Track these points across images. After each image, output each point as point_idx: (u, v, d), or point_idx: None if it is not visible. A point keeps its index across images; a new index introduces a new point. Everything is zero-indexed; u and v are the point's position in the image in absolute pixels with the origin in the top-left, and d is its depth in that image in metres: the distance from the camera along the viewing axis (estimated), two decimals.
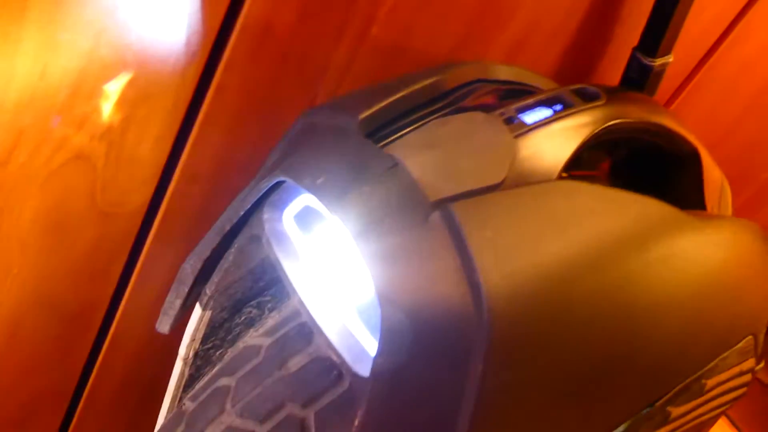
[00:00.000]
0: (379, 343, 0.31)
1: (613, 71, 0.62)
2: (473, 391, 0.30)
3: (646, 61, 0.57)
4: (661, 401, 0.39)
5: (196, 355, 0.49)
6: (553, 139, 0.37)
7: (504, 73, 0.46)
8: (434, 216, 0.32)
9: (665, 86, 0.68)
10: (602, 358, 0.34)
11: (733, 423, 1.23)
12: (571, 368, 0.33)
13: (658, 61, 0.57)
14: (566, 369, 0.33)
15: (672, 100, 0.70)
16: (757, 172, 0.86)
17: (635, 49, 0.57)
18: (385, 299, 0.31)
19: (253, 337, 0.46)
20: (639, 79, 0.58)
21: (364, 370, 0.34)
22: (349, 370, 0.34)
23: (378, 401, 0.32)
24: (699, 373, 0.41)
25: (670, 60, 0.58)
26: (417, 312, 0.31)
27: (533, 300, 0.31)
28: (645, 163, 0.50)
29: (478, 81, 0.44)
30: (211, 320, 0.48)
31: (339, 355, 0.35)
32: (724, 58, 0.68)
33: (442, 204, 0.32)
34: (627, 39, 0.60)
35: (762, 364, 0.64)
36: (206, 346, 0.49)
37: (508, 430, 0.33)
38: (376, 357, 0.31)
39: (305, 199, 0.40)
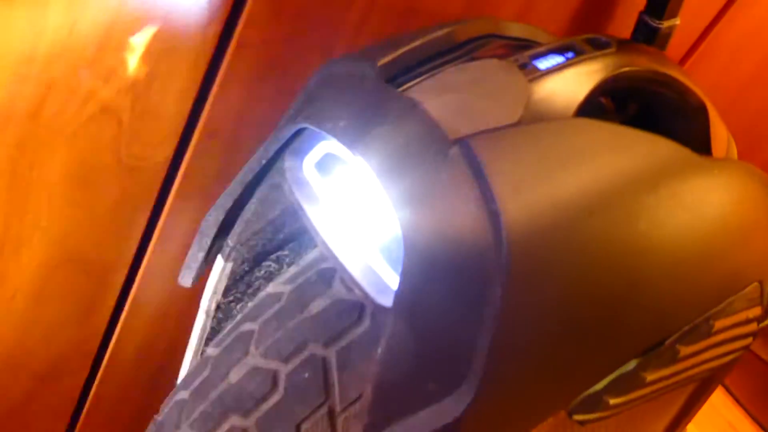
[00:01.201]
0: (401, 274, 0.33)
1: (621, 33, 0.63)
2: (491, 318, 0.32)
3: (654, 23, 0.58)
4: (670, 339, 0.40)
5: (217, 308, 0.51)
6: (566, 83, 0.38)
7: (515, 30, 0.48)
8: (454, 151, 0.33)
9: (673, 53, 0.69)
10: (614, 291, 0.35)
11: (738, 402, 1.24)
12: (584, 300, 0.34)
13: (666, 23, 0.58)
14: (579, 300, 0.34)
15: None
16: (762, 145, 0.86)
17: (642, 12, 0.58)
18: (407, 232, 0.32)
19: (273, 287, 0.47)
20: (646, 41, 0.59)
21: (387, 301, 0.35)
22: (372, 302, 0.36)
23: (401, 329, 0.33)
24: (707, 313, 0.42)
25: (677, 22, 0.59)
26: (438, 242, 0.32)
27: (549, 230, 0.32)
28: (653, 120, 0.51)
29: (491, 36, 0.46)
30: (232, 272, 0.49)
31: (363, 290, 0.36)
32: (730, 25, 0.69)
33: (461, 139, 0.33)
34: (634, 2, 0.61)
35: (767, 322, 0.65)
36: (227, 299, 0.51)
37: (523, 359, 0.34)
38: (398, 287, 0.33)
39: (325, 146, 0.42)
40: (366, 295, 0.36)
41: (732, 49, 0.72)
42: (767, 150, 0.87)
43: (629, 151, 0.35)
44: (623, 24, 0.62)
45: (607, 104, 0.53)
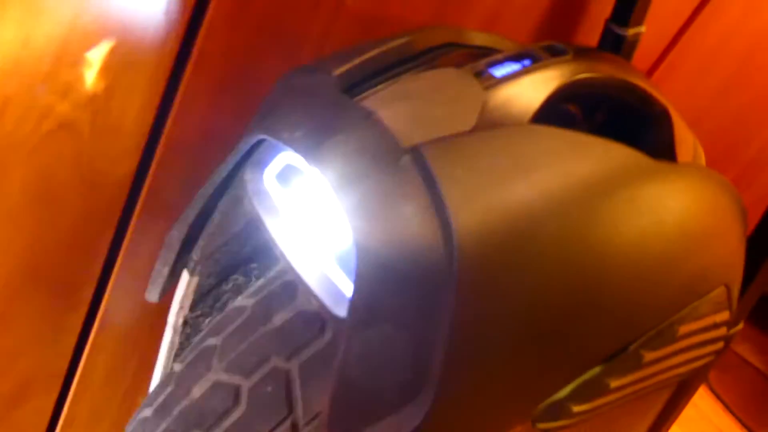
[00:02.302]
0: (355, 284, 0.32)
1: (588, 42, 0.64)
2: (445, 326, 0.32)
3: (619, 31, 0.59)
4: (634, 345, 0.40)
5: (185, 323, 0.50)
6: (521, 91, 0.38)
7: (478, 39, 0.48)
8: (405, 159, 0.33)
9: (643, 60, 0.70)
10: (572, 296, 0.35)
11: (728, 407, 1.24)
12: (541, 305, 0.34)
13: (631, 31, 0.59)
14: (536, 306, 0.34)
15: (650, 74, 0.72)
16: (742, 147, 0.87)
17: (608, 20, 0.59)
18: (359, 241, 0.32)
19: (239, 300, 0.47)
20: (613, 49, 0.60)
21: (344, 312, 0.35)
22: (329, 313, 0.35)
23: (356, 340, 0.33)
24: (671, 318, 0.42)
25: (643, 30, 0.59)
26: (390, 251, 0.32)
27: (501, 236, 0.32)
28: (618, 129, 0.52)
29: (451, 44, 0.46)
30: (198, 287, 0.49)
31: (319, 300, 0.36)
32: (701, 30, 0.69)
33: (413, 147, 0.33)
34: (600, 10, 0.61)
35: (740, 326, 0.65)
36: (195, 314, 0.51)
37: (480, 367, 0.34)
38: (352, 297, 0.33)
39: (285, 157, 0.42)
40: (323, 305, 0.36)
41: (703, 55, 0.72)
42: (743, 155, 0.88)
43: (584, 157, 0.35)
44: (590, 32, 0.63)
45: (575, 112, 0.53)
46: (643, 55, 0.69)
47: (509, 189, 0.33)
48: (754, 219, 0.96)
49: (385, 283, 0.32)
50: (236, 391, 0.41)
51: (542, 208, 0.33)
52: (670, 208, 0.39)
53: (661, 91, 0.49)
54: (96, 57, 0.41)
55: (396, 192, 0.33)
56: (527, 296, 0.34)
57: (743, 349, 1.39)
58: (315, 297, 0.36)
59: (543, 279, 0.34)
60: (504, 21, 0.57)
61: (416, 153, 0.33)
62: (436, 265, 0.32)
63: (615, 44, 0.59)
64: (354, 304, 0.33)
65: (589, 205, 0.35)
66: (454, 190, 0.32)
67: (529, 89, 0.38)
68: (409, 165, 0.33)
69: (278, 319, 0.42)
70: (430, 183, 0.32)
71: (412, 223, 0.32)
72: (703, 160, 0.56)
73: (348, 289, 0.36)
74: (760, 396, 1.35)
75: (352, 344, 0.33)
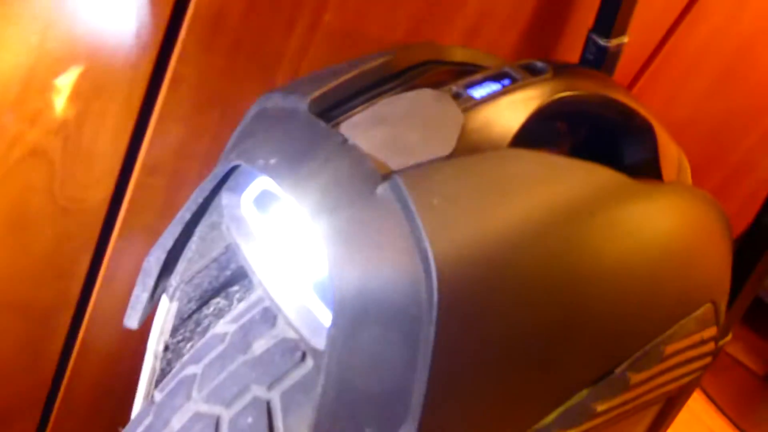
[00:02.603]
0: (333, 315, 0.32)
1: (571, 54, 0.63)
2: (426, 357, 0.31)
3: (602, 42, 0.58)
4: (620, 367, 0.40)
5: (166, 348, 0.49)
6: (501, 112, 0.38)
7: (458, 54, 0.47)
8: (382, 187, 0.32)
9: (626, 70, 0.69)
10: (554, 322, 0.34)
11: (720, 409, 1.24)
12: (524, 333, 0.34)
13: (614, 42, 0.58)
14: (519, 334, 0.33)
15: (634, 83, 0.72)
16: (725, 155, 0.87)
17: (590, 31, 0.58)
18: (336, 272, 0.32)
19: (220, 326, 0.46)
20: (596, 60, 0.59)
21: (322, 344, 0.34)
22: (307, 344, 0.35)
23: (334, 372, 0.32)
24: (657, 339, 0.41)
25: (626, 41, 0.59)
26: (368, 282, 0.31)
27: (481, 264, 0.31)
28: (604, 143, 0.51)
29: (431, 62, 0.45)
30: (178, 312, 0.48)
31: (297, 331, 0.35)
32: (683, 39, 0.69)
33: (390, 176, 0.32)
34: (583, 22, 0.61)
35: (729, 337, 0.65)
36: (176, 339, 0.50)
37: (464, 397, 0.33)
38: (329, 329, 0.32)
39: (262, 182, 0.41)
40: (301, 336, 0.35)
41: (687, 63, 0.72)
42: (730, 163, 0.88)
43: (564, 181, 0.35)
44: (573, 44, 0.62)
45: (560, 127, 0.52)
46: (626, 64, 0.69)
47: (488, 216, 0.32)
48: (742, 223, 0.96)
49: (363, 315, 0.31)
50: (216, 422, 0.40)
51: (522, 235, 0.33)
52: (654, 230, 0.38)
53: (645, 102, 0.49)
54: (65, 83, 0.40)
55: (373, 221, 0.32)
56: (509, 325, 0.33)
57: (735, 350, 1.39)
58: (293, 327, 0.36)
59: (525, 307, 0.33)
60: (485, 34, 0.57)
61: (393, 182, 0.32)
62: (415, 295, 0.31)
63: (598, 55, 0.59)
64: (331, 335, 0.32)
65: (571, 230, 0.34)
66: (432, 220, 0.31)
67: (508, 111, 0.38)
68: (386, 194, 0.32)
69: (258, 347, 0.41)
70: (407, 212, 0.31)
71: (389, 253, 0.31)
72: (688, 172, 0.55)
73: (326, 318, 0.35)
74: (753, 397, 1.35)
75: (330, 376, 0.32)
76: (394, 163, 0.33)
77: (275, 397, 0.40)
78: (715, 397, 1.26)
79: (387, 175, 0.32)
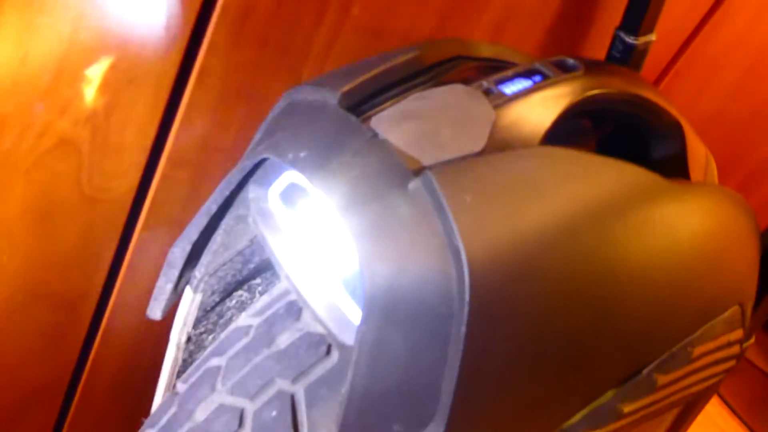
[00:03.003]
0: (363, 312, 0.32)
1: (597, 51, 0.63)
2: (456, 355, 0.31)
3: (629, 39, 0.58)
4: (647, 368, 0.39)
5: (188, 340, 0.50)
6: (532, 109, 0.37)
7: (486, 50, 0.47)
8: (414, 183, 0.32)
9: (651, 67, 0.69)
10: (584, 322, 0.34)
11: (733, 411, 1.23)
12: (554, 332, 0.33)
13: (641, 40, 0.58)
14: (548, 333, 0.33)
15: (658, 82, 0.71)
16: (748, 153, 0.86)
17: (618, 28, 0.58)
18: (367, 267, 0.31)
19: (243, 319, 0.46)
20: (622, 58, 0.59)
21: (350, 339, 0.34)
22: (335, 339, 0.34)
23: (363, 368, 0.32)
24: (685, 340, 0.41)
25: (653, 38, 0.58)
26: (399, 278, 0.31)
27: (513, 263, 0.31)
28: (630, 139, 0.51)
29: (459, 57, 0.45)
30: (202, 304, 0.48)
31: (326, 326, 0.35)
32: (709, 38, 0.68)
33: (422, 171, 0.32)
34: (609, 19, 0.60)
35: (752, 340, 0.64)
36: (198, 331, 0.50)
37: (492, 396, 0.33)
38: (359, 325, 0.32)
39: (290, 176, 0.41)
40: (329, 331, 0.35)
41: (711, 63, 0.71)
42: (752, 161, 0.87)
43: (595, 179, 0.34)
44: (599, 41, 0.62)
45: (585, 123, 0.52)
46: (652, 62, 0.68)
47: (520, 215, 0.32)
48: (763, 222, 0.95)
49: (393, 312, 0.31)
50: (241, 415, 0.40)
51: (554, 233, 0.32)
52: (684, 230, 0.38)
53: (672, 102, 0.48)
54: (95, 74, 0.40)
55: (405, 218, 0.32)
56: (540, 323, 0.33)
57: (749, 352, 1.37)
58: (321, 322, 0.36)
59: (555, 306, 0.33)
60: (511, 30, 0.56)
61: (425, 178, 0.32)
62: (447, 293, 0.31)
63: (625, 53, 0.58)
64: (361, 332, 0.32)
65: (602, 230, 0.34)
66: (465, 217, 0.31)
67: (539, 107, 0.37)
68: (418, 190, 0.32)
69: (283, 341, 0.41)
70: (439, 209, 0.31)
71: (422, 250, 0.31)
72: (714, 171, 0.55)
73: (354, 315, 0.35)
74: (766, 399, 1.33)
75: (358, 373, 0.32)
76: (425, 159, 0.33)
77: (299, 391, 0.40)
78: (728, 399, 1.25)
79: (419, 171, 0.32)
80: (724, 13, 0.67)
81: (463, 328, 0.30)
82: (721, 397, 1.24)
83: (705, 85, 0.74)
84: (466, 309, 0.30)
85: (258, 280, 0.50)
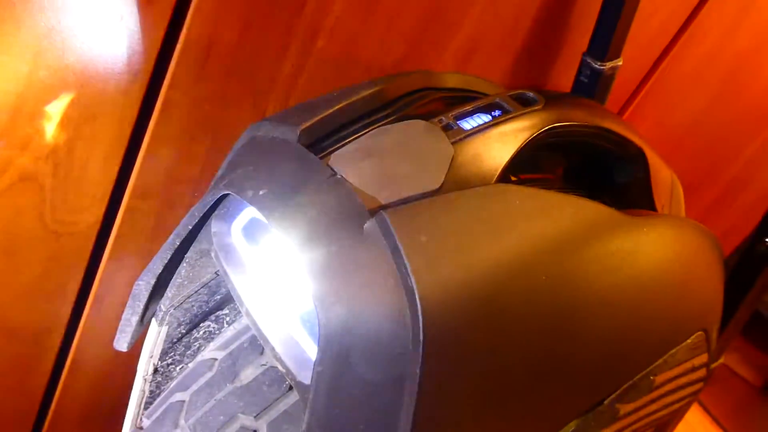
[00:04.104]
0: (318, 352, 0.32)
1: (565, 77, 0.63)
2: (412, 395, 0.31)
3: (596, 65, 0.58)
4: (609, 398, 0.39)
5: (155, 371, 0.49)
6: (490, 144, 0.37)
7: (452, 80, 0.47)
8: (369, 223, 0.32)
9: (620, 91, 0.69)
10: (542, 357, 0.34)
11: (715, 420, 1.23)
12: (512, 369, 0.33)
13: (608, 65, 0.58)
14: (506, 370, 0.33)
15: (628, 105, 0.72)
16: (720, 172, 0.87)
17: (585, 54, 0.58)
18: (322, 307, 0.31)
19: (209, 351, 0.46)
20: (590, 83, 0.59)
21: (308, 378, 0.34)
22: (293, 378, 0.34)
23: (320, 408, 0.32)
24: (647, 369, 0.41)
25: (620, 63, 0.59)
26: (354, 319, 0.31)
27: (468, 301, 0.31)
28: (597, 167, 0.51)
29: (424, 89, 0.45)
30: (168, 336, 0.48)
31: (284, 364, 0.35)
32: (678, 59, 0.69)
33: (377, 211, 0.32)
34: (577, 44, 0.61)
35: (721, 360, 0.65)
36: (166, 362, 0.49)
37: None
38: (315, 365, 0.32)
39: (251, 211, 0.41)
40: (287, 370, 0.35)
41: (682, 83, 0.72)
42: (724, 179, 0.88)
43: (551, 216, 0.35)
44: (567, 66, 0.62)
45: (554, 152, 0.52)
46: (621, 84, 0.69)
47: (476, 254, 0.32)
48: (737, 238, 0.96)
49: (349, 352, 0.31)
50: None
51: (509, 272, 0.32)
52: (643, 263, 0.38)
53: (639, 123, 0.49)
54: (55, 110, 0.40)
55: (360, 258, 0.32)
56: (497, 361, 0.33)
57: (732, 362, 1.38)
58: (279, 360, 0.36)
59: (512, 344, 0.33)
60: (479, 58, 0.57)
61: (380, 218, 0.32)
62: (402, 333, 0.31)
63: (592, 78, 0.59)
64: (317, 372, 0.32)
65: (558, 266, 0.34)
66: (419, 257, 0.31)
67: (498, 143, 0.38)
68: (373, 230, 0.32)
69: (246, 376, 0.41)
70: (394, 249, 0.31)
71: (375, 290, 0.31)
72: (681, 196, 0.55)
73: (313, 351, 0.35)
74: (749, 409, 1.34)
75: (315, 412, 0.32)
76: (383, 197, 0.33)
77: (262, 427, 0.40)
78: (711, 409, 1.26)
79: (374, 211, 0.32)
80: (693, 35, 0.68)
81: (418, 368, 0.30)
82: (703, 406, 1.25)
83: (675, 106, 0.75)
84: (420, 349, 0.30)
85: (225, 311, 0.50)
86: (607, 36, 0.57)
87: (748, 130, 0.83)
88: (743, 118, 0.81)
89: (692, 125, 0.78)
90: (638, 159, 0.48)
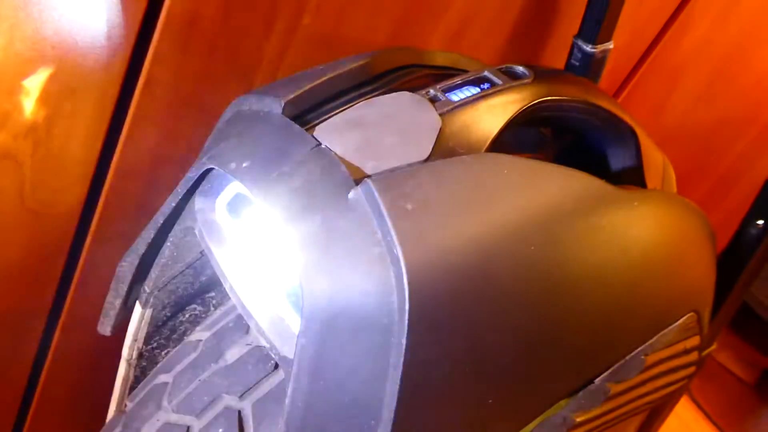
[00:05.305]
0: (302, 324, 0.31)
1: (556, 59, 0.63)
2: (398, 367, 0.30)
3: (587, 47, 0.58)
4: (600, 377, 0.39)
5: (140, 356, 0.48)
6: (479, 116, 0.37)
7: (438, 58, 0.46)
8: (354, 192, 0.31)
9: (613, 77, 0.69)
10: (531, 330, 0.34)
11: (708, 416, 1.23)
12: (499, 342, 0.33)
13: (599, 48, 0.58)
14: (494, 343, 0.33)
15: (620, 91, 0.71)
16: (713, 163, 0.86)
17: (575, 36, 0.58)
18: (306, 278, 0.31)
19: (194, 333, 0.45)
20: (581, 66, 0.59)
21: (292, 352, 0.33)
22: (277, 353, 0.34)
23: (303, 380, 0.31)
24: (638, 349, 0.40)
25: (611, 46, 0.58)
26: (339, 290, 0.31)
27: (455, 273, 0.31)
28: (588, 149, 0.51)
29: (412, 66, 0.44)
30: (153, 319, 0.47)
31: (268, 339, 0.34)
32: (671, 46, 0.69)
33: (362, 180, 0.31)
34: (568, 27, 0.60)
35: (714, 346, 0.64)
36: (151, 346, 0.49)
37: (435, 409, 0.32)
38: (299, 338, 0.31)
39: (236, 186, 0.40)
40: (271, 345, 0.34)
41: (674, 71, 0.72)
42: (717, 171, 0.88)
43: (541, 186, 0.34)
44: (558, 49, 0.62)
45: (545, 133, 0.52)
46: (613, 71, 0.68)
47: (463, 223, 0.31)
48: (730, 231, 0.96)
49: (333, 323, 0.31)
50: None
51: (498, 242, 0.32)
52: (634, 237, 0.37)
53: (631, 110, 0.48)
54: (34, 85, 0.39)
55: (345, 227, 0.31)
56: (484, 333, 0.32)
57: (724, 358, 1.38)
58: (263, 335, 0.35)
59: (500, 316, 0.32)
60: (469, 39, 0.56)
61: (365, 186, 0.31)
62: (387, 303, 0.30)
63: (583, 61, 0.58)
64: (301, 344, 0.31)
65: (548, 238, 0.33)
66: (405, 226, 0.30)
67: (486, 115, 0.37)
68: (358, 199, 0.31)
69: (231, 356, 0.40)
70: (380, 218, 0.30)
71: (360, 259, 0.31)
72: (673, 179, 0.55)
73: (297, 326, 0.34)
74: (742, 405, 1.34)
75: (299, 386, 0.31)
76: (368, 168, 0.32)
77: (247, 407, 0.39)
78: (704, 405, 1.25)
79: (359, 180, 0.32)
80: (685, 21, 0.68)
81: (404, 339, 0.30)
82: (696, 402, 1.24)
83: (668, 94, 0.74)
84: (406, 319, 0.30)
85: (212, 293, 0.49)
86: (598, 18, 0.57)
87: (739, 123, 0.83)
88: (733, 111, 0.81)
89: (683, 118, 0.77)
90: (629, 138, 0.47)
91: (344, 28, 0.48)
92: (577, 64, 0.59)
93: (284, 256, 0.36)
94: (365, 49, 0.51)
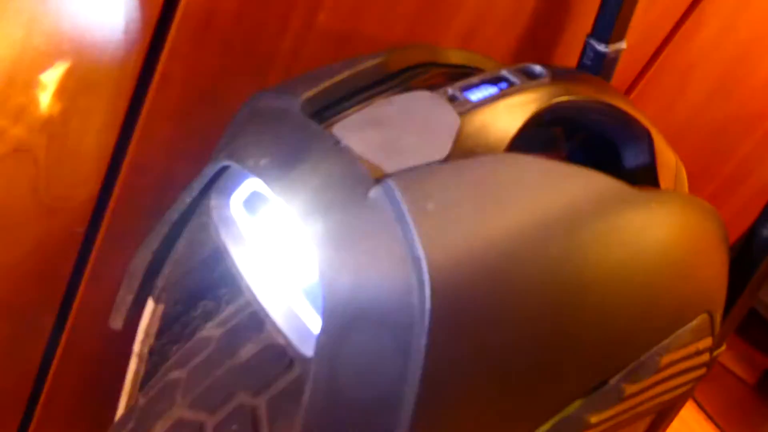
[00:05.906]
0: (322, 322, 0.31)
1: (568, 59, 0.63)
2: (417, 367, 0.30)
3: (600, 47, 0.58)
4: (615, 378, 0.39)
5: (151, 351, 0.48)
6: (498, 116, 0.37)
7: (454, 57, 0.46)
8: (375, 191, 0.31)
9: (622, 77, 0.69)
10: (549, 332, 0.34)
11: (710, 417, 1.23)
12: (518, 343, 0.33)
13: (612, 47, 0.58)
14: (513, 343, 0.33)
15: (630, 91, 0.71)
16: (721, 163, 0.86)
17: (589, 36, 0.58)
18: (326, 276, 0.31)
19: (207, 329, 0.45)
20: (593, 65, 0.59)
21: (310, 350, 0.33)
22: (295, 351, 0.34)
23: (322, 380, 0.31)
24: (653, 349, 0.40)
25: (624, 46, 0.58)
26: (359, 288, 0.31)
27: (476, 271, 0.31)
28: (601, 149, 0.51)
29: (428, 64, 0.44)
30: (165, 314, 0.47)
31: (285, 337, 0.34)
32: (681, 46, 0.69)
33: (383, 179, 0.31)
34: (581, 26, 0.60)
35: (723, 348, 0.64)
36: (162, 342, 0.49)
37: (454, 408, 0.32)
38: (318, 335, 0.31)
39: (252, 184, 0.40)
40: (288, 342, 0.34)
41: (684, 70, 0.72)
42: (723, 172, 0.88)
43: (561, 187, 0.34)
44: (571, 48, 0.62)
45: (557, 132, 0.52)
46: (623, 71, 0.68)
47: (483, 223, 0.31)
48: (736, 232, 0.96)
49: (352, 323, 0.31)
50: (200, 429, 0.39)
51: (517, 242, 0.32)
52: (651, 238, 0.37)
53: (642, 110, 0.48)
54: (50, 79, 0.39)
55: (365, 226, 0.31)
56: (504, 333, 0.32)
57: (726, 359, 1.38)
58: (280, 333, 0.35)
59: (519, 317, 0.32)
60: (482, 37, 0.56)
61: (386, 185, 0.31)
62: (408, 303, 0.30)
63: (595, 61, 0.58)
64: (320, 343, 0.31)
65: (567, 238, 0.33)
66: (426, 225, 0.30)
67: (505, 114, 0.37)
68: (378, 197, 0.31)
69: (245, 353, 0.40)
70: (400, 217, 0.30)
71: (381, 259, 0.30)
72: (685, 179, 0.54)
73: (315, 325, 0.34)
74: (743, 406, 1.34)
75: (318, 385, 0.31)
76: (388, 167, 0.32)
77: (261, 404, 0.39)
78: (705, 406, 1.26)
79: (380, 179, 0.32)
80: (696, 21, 0.67)
81: (424, 339, 0.30)
82: (697, 403, 1.25)
83: (678, 93, 0.74)
84: (427, 319, 0.30)
85: (224, 290, 0.49)
86: (612, 18, 0.57)
87: (747, 123, 0.83)
88: (742, 111, 0.81)
89: (692, 117, 0.77)
90: (644, 139, 0.47)
91: (359, 26, 0.48)
92: (590, 63, 0.59)
93: (302, 254, 0.36)
94: (380, 46, 0.50)
